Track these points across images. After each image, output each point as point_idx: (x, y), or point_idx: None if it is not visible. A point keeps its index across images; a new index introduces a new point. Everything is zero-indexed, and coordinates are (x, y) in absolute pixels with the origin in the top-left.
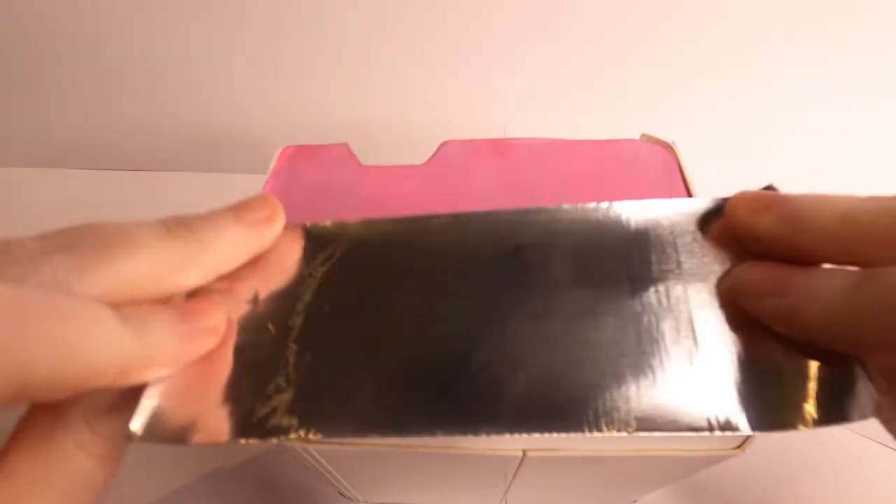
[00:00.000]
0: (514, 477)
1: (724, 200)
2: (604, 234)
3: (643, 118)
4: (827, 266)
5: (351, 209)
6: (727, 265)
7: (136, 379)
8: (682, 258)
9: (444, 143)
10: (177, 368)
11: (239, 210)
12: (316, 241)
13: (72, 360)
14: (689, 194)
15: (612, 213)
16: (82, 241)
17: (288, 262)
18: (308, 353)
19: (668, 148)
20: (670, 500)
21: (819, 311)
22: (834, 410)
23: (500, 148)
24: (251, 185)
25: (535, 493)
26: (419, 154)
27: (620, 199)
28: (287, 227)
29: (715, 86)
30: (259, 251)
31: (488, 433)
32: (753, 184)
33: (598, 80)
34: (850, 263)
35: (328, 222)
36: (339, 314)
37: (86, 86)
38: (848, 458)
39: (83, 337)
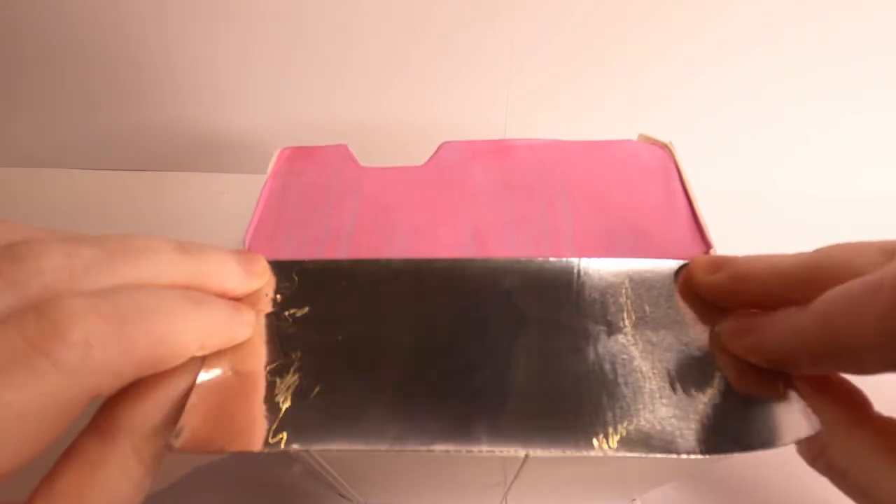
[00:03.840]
0: (515, 477)
1: (686, 263)
2: (584, 284)
3: (640, 118)
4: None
5: (350, 211)
6: (687, 315)
7: (206, 351)
8: (649, 308)
9: (443, 144)
10: (222, 346)
11: (241, 254)
12: (326, 275)
13: (167, 346)
14: (686, 194)
15: (592, 266)
16: (109, 241)
17: (303, 292)
18: (318, 384)
19: (665, 148)
20: (670, 498)
21: (777, 336)
22: (768, 436)
23: (499, 149)
24: (251, 185)
25: (535, 493)
26: (418, 155)
27: (619, 199)
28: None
29: (711, 86)
30: (240, 293)
31: (486, 443)
32: (750, 182)
33: (596, 81)
34: (778, 305)
35: (344, 260)
36: (345, 347)
37: (86, 86)
38: None
39: (172, 327)
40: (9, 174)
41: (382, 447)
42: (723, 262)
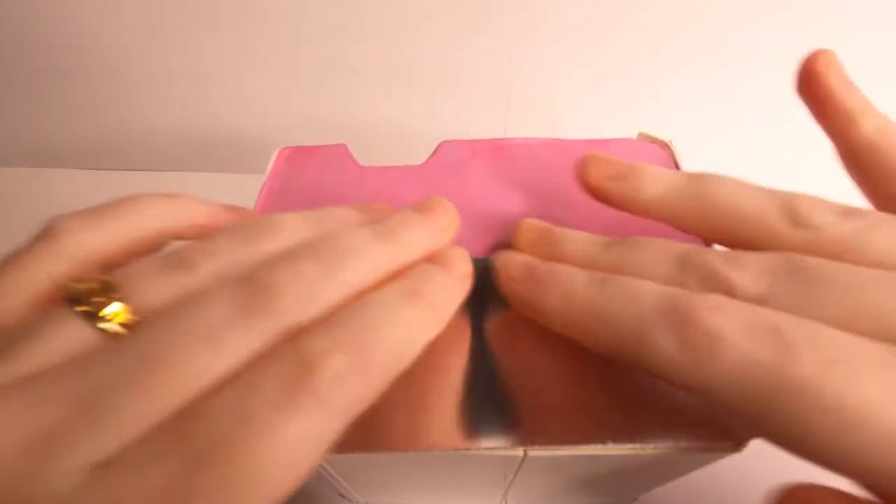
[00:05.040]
0: (514, 476)
1: None
2: None
3: (641, 118)
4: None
5: None
6: None
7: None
8: None
9: (442, 143)
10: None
11: (427, 217)
12: None
13: (406, 357)
14: None
15: None
16: (322, 250)
17: None
18: None
19: (665, 147)
20: (671, 497)
21: (557, 302)
22: None
23: (498, 148)
24: (250, 185)
25: (535, 492)
26: (418, 154)
27: None
28: None
29: (712, 85)
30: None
31: (485, 442)
32: (751, 181)
33: (596, 80)
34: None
35: None
36: None
37: (85, 86)
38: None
39: (406, 339)
40: (9, 174)
41: (381, 450)
42: (546, 237)
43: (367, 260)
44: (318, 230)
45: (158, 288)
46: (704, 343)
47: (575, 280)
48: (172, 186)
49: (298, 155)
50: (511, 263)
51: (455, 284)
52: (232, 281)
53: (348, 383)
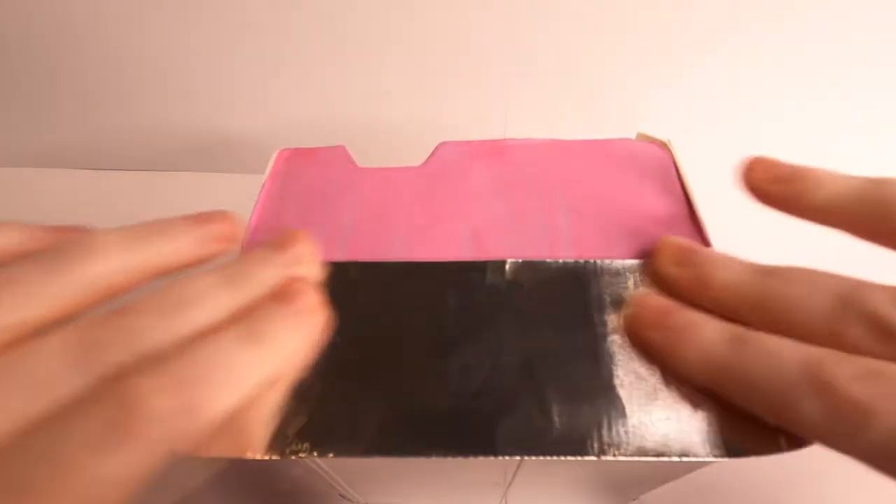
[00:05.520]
0: (514, 477)
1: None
2: (582, 284)
3: (640, 117)
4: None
5: (348, 212)
6: None
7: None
8: None
9: (440, 144)
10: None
11: (281, 253)
12: (340, 276)
13: (233, 401)
14: (685, 192)
15: (590, 266)
16: (164, 300)
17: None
18: (319, 383)
19: (664, 147)
20: (671, 497)
21: (694, 357)
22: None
23: (497, 149)
24: (250, 185)
25: (534, 493)
26: (417, 156)
27: (617, 198)
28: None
29: (712, 84)
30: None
31: (478, 455)
32: None
33: (596, 80)
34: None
35: (342, 261)
36: (343, 349)
37: (86, 86)
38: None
39: (232, 383)
40: (9, 174)
41: (380, 455)
42: (691, 258)
43: (208, 308)
44: (141, 251)
45: None
46: (854, 414)
47: (713, 337)
48: (172, 186)
49: (298, 156)
50: (644, 307)
51: (296, 321)
52: (61, 331)
53: (170, 422)
